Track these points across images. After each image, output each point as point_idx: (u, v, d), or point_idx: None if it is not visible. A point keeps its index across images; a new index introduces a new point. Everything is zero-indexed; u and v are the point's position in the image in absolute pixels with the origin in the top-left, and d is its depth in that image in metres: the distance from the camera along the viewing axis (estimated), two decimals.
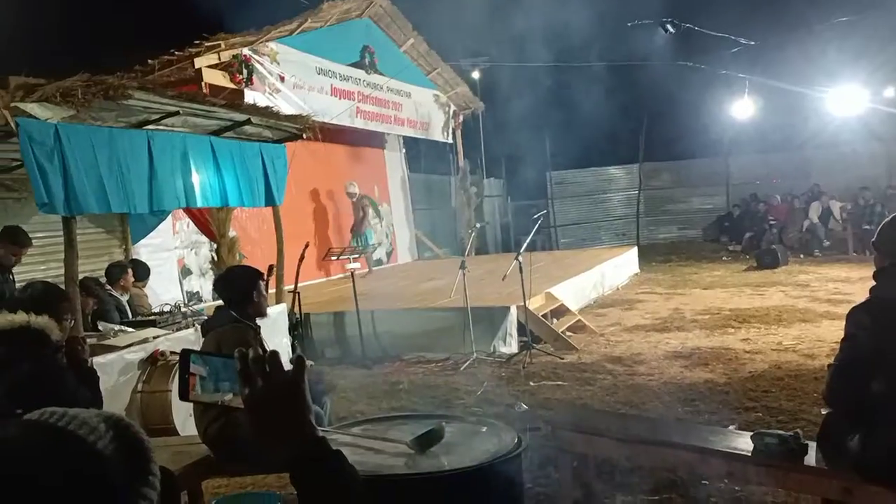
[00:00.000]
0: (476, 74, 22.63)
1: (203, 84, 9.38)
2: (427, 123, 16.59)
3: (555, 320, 9.41)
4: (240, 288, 3.98)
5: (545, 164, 22.63)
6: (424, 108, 16.40)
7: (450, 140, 18.03)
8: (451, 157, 20.00)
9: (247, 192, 7.28)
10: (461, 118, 18.13)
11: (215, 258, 8.73)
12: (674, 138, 20.99)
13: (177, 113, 6.42)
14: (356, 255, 9.06)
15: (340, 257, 8.87)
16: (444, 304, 9.17)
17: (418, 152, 19.75)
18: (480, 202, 20.34)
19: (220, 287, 4.10)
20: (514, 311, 8.50)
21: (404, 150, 18.31)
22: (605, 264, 13.06)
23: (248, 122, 7.29)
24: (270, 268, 7.56)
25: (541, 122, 22.24)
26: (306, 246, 8.79)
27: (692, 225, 21.88)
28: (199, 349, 2.22)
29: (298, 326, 8.44)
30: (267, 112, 7.51)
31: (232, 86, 9.98)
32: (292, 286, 8.43)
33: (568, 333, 8.92)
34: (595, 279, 12.16)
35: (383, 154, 17.22)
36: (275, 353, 1.36)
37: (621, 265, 14.07)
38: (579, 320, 9.50)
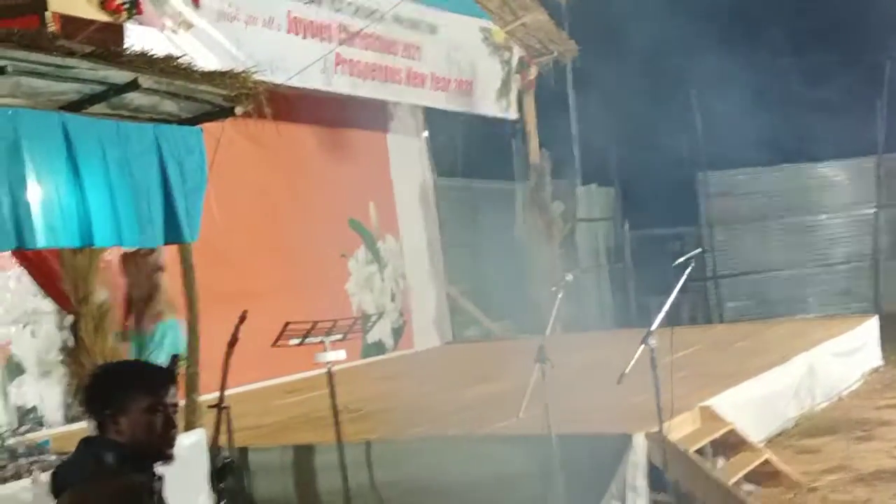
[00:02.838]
0: None
1: (49, 15, 9.49)
2: (469, 83, 16.67)
3: (721, 460, 9.34)
4: (121, 404, 3.96)
5: (694, 159, 22.58)
6: (464, 53, 16.51)
7: (513, 115, 18.03)
8: (516, 145, 20.00)
9: (129, 220, 7.29)
10: (534, 73, 18.20)
11: (70, 342, 8.76)
12: None
13: (2, 70, 6.50)
14: (339, 337, 9.04)
15: (307, 340, 8.84)
16: (507, 429, 9.14)
17: (453, 138, 19.82)
18: (571, 231, 20.27)
19: (86, 402, 4.07)
20: (640, 443, 8.47)
21: (426, 135, 18.36)
22: (816, 352, 12.95)
23: (133, 85, 7.34)
24: (174, 360, 7.55)
25: (686, 81, 22.26)
26: (242, 318, 8.78)
27: None
28: None
29: (228, 472, 8.37)
30: (169, 66, 7.56)
31: (104, 17, 10.06)
32: (216, 396, 8.40)
33: (747, 487, 8.84)
34: (796, 381, 12.06)
35: (386, 142, 17.31)
36: None
37: (848, 353, 13.92)
38: (767, 461, 9.44)
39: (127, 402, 3.99)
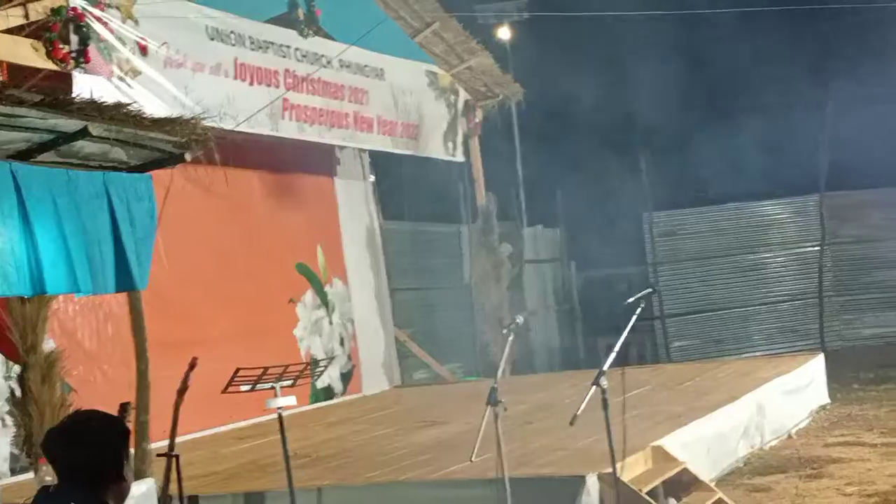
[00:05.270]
0: (506, 34, 23.03)
1: None
2: (415, 127, 16.76)
3: (672, 501, 9.34)
4: (122, 462, 3.85)
5: (640, 199, 22.74)
6: (410, 97, 16.60)
7: (459, 158, 18.11)
8: (463, 188, 20.09)
9: (81, 267, 7.24)
10: (480, 116, 18.30)
11: (17, 393, 8.68)
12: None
13: None
14: (289, 383, 9.01)
15: (258, 387, 8.81)
16: (460, 473, 9.08)
17: (399, 182, 19.86)
18: (519, 272, 20.34)
19: (66, 449, 3.87)
20: (593, 484, 8.47)
21: (373, 179, 18.39)
22: (765, 391, 13.02)
23: (83, 132, 7.34)
24: (123, 409, 7.51)
25: (630, 122, 22.44)
26: (192, 365, 8.76)
27: None
28: None
29: None
30: (119, 114, 7.55)
31: (51, 66, 10.08)
32: (166, 443, 8.36)
33: None
34: (745, 420, 12.13)
35: (333, 186, 17.34)
36: None
37: (795, 391, 14.02)
38: (719, 500, 9.45)
39: (125, 459, 3.88)
